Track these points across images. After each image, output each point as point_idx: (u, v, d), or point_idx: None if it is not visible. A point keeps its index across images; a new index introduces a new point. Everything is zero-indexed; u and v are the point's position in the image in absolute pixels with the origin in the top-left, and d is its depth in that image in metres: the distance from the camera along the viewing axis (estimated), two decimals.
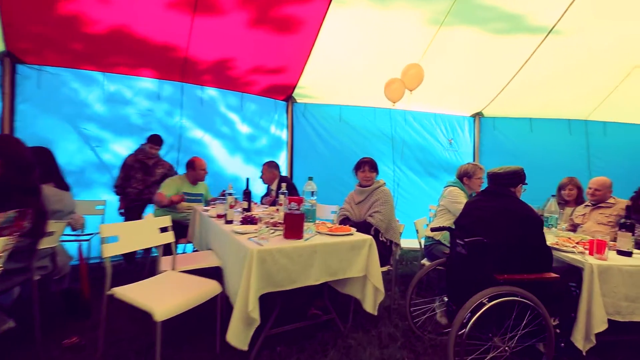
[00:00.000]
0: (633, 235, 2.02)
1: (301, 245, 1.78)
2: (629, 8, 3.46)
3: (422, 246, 2.88)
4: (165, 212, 2.95)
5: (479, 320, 1.63)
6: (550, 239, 2.30)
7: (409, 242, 3.24)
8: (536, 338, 1.76)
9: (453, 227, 2.09)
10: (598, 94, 4.46)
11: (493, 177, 1.99)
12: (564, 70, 4.18)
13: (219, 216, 2.44)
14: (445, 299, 2.23)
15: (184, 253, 2.72)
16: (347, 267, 1.94)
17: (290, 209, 1.84)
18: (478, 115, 4.99)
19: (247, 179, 2.89)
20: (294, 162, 4.68)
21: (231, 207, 2.31)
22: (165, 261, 2.18)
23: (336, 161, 4.56)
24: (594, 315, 1.78)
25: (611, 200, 3.05)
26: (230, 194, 2.32)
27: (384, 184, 2.64)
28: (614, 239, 2.15)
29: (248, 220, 2.27)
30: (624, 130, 4.71)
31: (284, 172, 4.60)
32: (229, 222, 2.29)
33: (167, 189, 3.11)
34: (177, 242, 2.24)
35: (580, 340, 1.82)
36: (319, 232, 2.02)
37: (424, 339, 2.18)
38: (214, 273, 2.11)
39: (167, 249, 2.17)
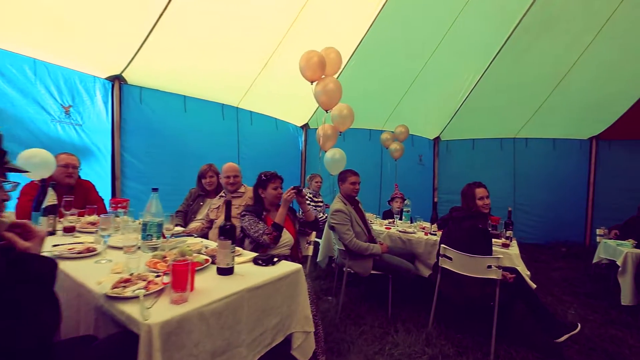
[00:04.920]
0: (233, 243, 1.44)
1: None
2: None
3: None
4: None
5: None
6: (133, 264, 1.35)
7: None
8: None
9: None
10: (245, 82, 4.45)
11: None
12: (216, 47, 3.73)
13: None
14: None
15: None
16: None
17: None
18: (119, 80, 3.62)
19: None
20: None
21: None
22: None
23: None
24: None
25: (242, 189, 2.75)
26: None
27: None
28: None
29: None
30: (264, 121, 5.12)
31: None
32: None
33: None
34: None
35: None
36: None
37: None
38: None
39: None
